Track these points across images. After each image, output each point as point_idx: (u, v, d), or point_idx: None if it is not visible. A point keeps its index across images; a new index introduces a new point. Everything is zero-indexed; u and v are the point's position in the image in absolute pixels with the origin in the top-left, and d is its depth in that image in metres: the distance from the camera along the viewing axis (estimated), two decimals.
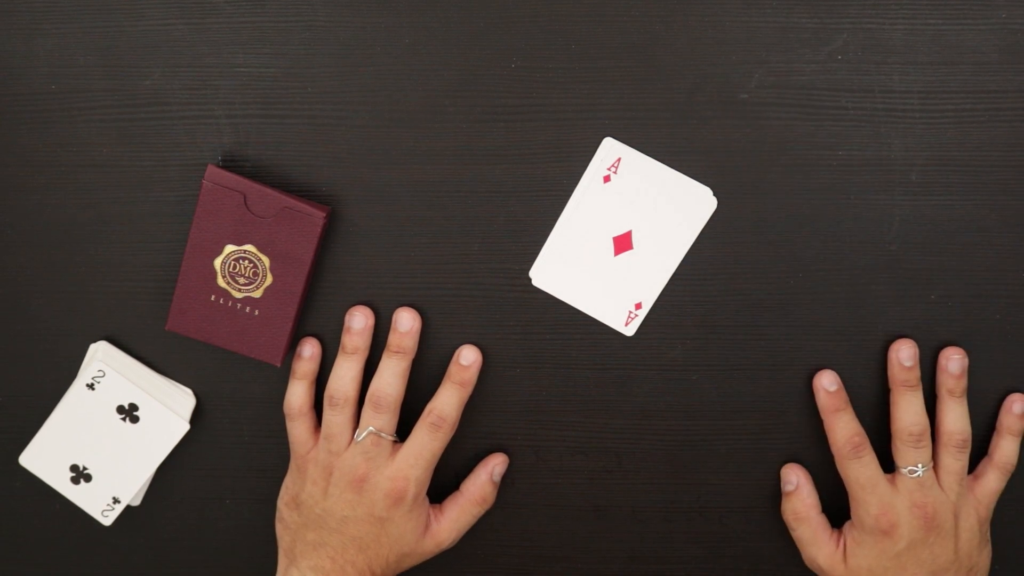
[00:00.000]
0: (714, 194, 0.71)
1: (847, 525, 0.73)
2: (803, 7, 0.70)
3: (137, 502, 0.76)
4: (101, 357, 0.74)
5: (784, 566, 0.77)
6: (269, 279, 0.71)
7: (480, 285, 0.73)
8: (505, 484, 0.76)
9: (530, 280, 0.73)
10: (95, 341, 0.74)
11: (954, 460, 0.71)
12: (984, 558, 0.72)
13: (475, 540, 0.77)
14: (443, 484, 0.76)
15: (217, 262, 0.71)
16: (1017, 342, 0.73)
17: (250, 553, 0.78)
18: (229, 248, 0.71)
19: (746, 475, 0.75)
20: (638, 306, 0.72)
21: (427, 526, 0.73)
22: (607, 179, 0.71)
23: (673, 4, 0.70)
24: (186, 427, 0.74)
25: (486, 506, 0.74)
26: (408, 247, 0.73)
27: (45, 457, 0.74)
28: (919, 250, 0.72)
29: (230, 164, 0.72)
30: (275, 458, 0.76)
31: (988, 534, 0.73)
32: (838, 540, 0.73)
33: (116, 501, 0.75)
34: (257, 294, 0.71)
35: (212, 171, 0.70)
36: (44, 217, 0.73)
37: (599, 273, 0.72)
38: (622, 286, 0.72)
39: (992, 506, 0.73)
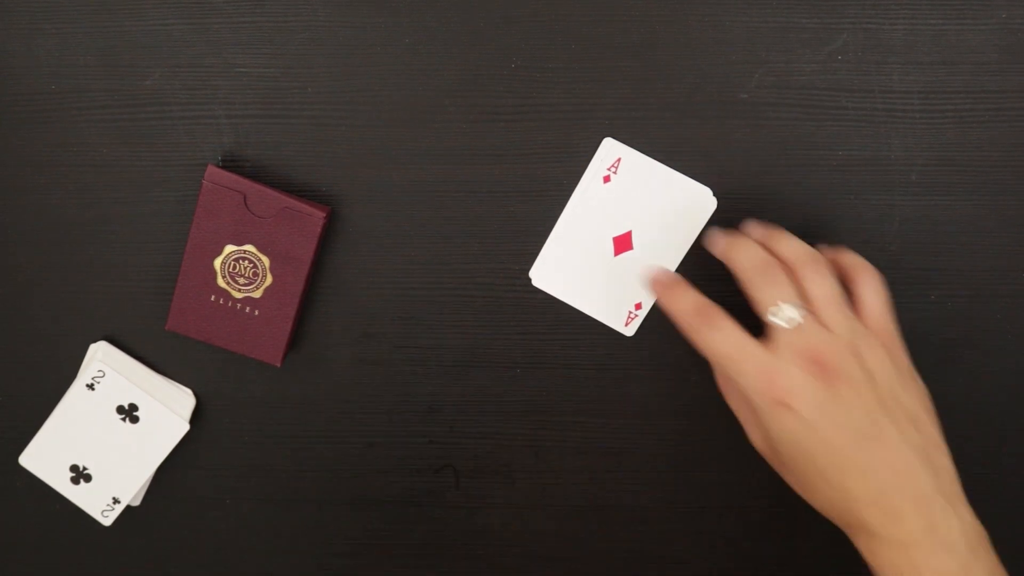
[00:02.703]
0: (714, 194, 0.71)
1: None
2: (803, 7, 0.70)
3: (137, 502, 0.76)
4: (101, 357, 0.73)
5: (784, 566, 0.77)
6: (269, 279, 0.71)
7: (480, 285, 0.73)
8: (505, 484, 0.76)
9: (530, 280, 0.73)
10: (95, 341, 0.74)
11: (816, 285, 0.62)
12: (915, 400, 0.63)
13: (475, 540, 0.77)
14: (443, 483, 0.76)
15: (217, 262, 0.71)
16: (1017, 342, 0.73)
17: (250, 553, 0.78)
18: (229, 248, 0.71)
19: (746, 475, 0.75)
20: (638, 306, 0.72)
21: None
22: (607, 179, 0.71)
23: (673, 4, 0.70)
24: (186, 427, 0.74)
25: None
26: (408, 247, 0.73)
27: (45, 457, 0.74)
28: (919, 250, 0.72)
29: (230, 164, 0.72)
30: (275, 458, 0.76)
31: (912, 371, 0.64)
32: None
33: (116, 501, 0.75)
34: (257, 294, 0.71)
35: (212, 171, 0.70)
36: (44, 217, 0.73)
37: (599, 273, 0.72)
38: (622, 286, 0.72)
39: (895, 331, 0.64)
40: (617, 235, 0.72)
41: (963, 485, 0.76)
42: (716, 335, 0.62)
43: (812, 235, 0.72)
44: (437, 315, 0.74)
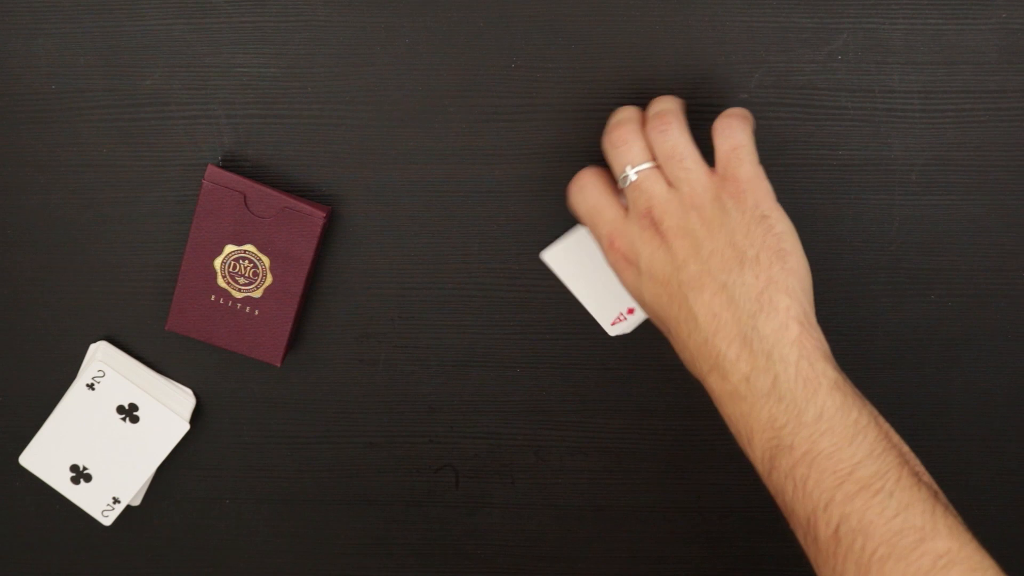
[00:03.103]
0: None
1: None
2: (803, 7, 0.70)
3: (137, 502, 0.76)
4: (101, 357, 0.73)
5: (784, 566, 0.77)
6: (269, 279, 0.71)
7: (480, 285, 0.73)
8: (505, 484, 0.76)
9: (540, 261, 0.73)
10: (95, 341, 0.74)
11: (659, 142, 0.62)
12: (759, 242, 0.60)
13: (475, 540, 0.77)
14: (443, 483, 0.76)
15: (217, 262, 0.71)
16: (1017, 342, 0.73)
17: (250, 553, 0.78)
18: (229, 248, 0.71)
19: (746, 475, 0.75)
20: (630, 311, 0.72)
21: None
22: None
23: (673, 4, 0.70)
24: (186, 427, 0.74)
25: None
26: (408, 247, 0.73)
27: (45, 457, 0.74)
28: (919, 250, 0.72)
29: (230, 164, 0.72)
30: (275, 458, 0.76)
31: (765, 212, 0.61)
32: None
33: (116, 501, 0.75)
34: (257, 294, 0.71)
35: (212, 171, 0.70)
36: (44, 217, 0.73)
37: (607, 271, 0.71)
38: (623, 291, 0.72)
39: (748, 173, 0.61)
40: None
41: (963, 486, 0.76)
42: (579, 193, 0.64)
43: (812, 235, 0.72)
44: (437, 315, 0.74)
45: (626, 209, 0.64)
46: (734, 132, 0.63)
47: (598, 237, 0.64)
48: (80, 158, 0.72)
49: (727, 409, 0.60)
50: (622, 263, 0.63)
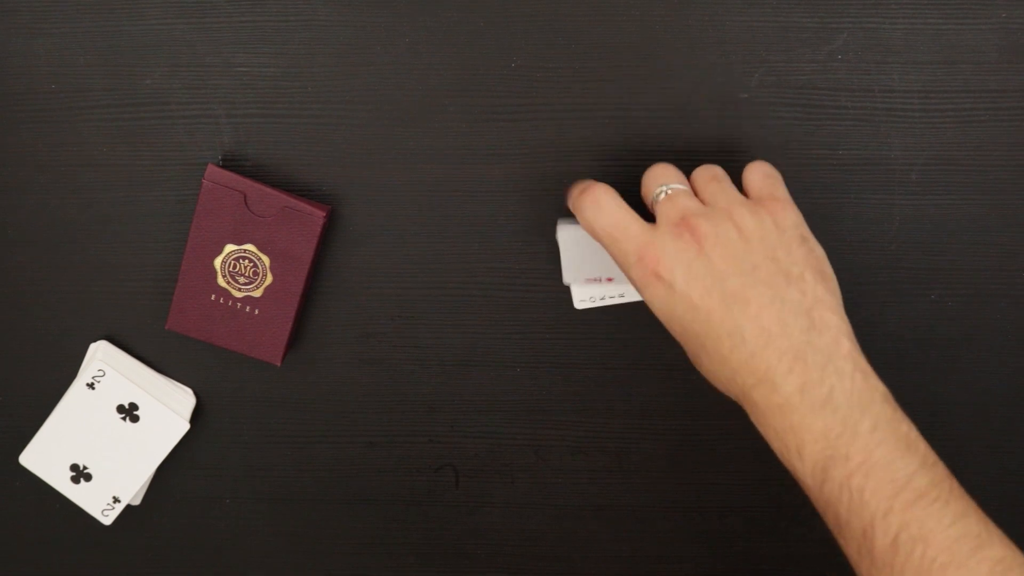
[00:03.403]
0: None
1: None
2: (803, 7, 0.70)
3: (137, 502, 0.76)
4: (101, 357, 0.74)
5: (784, 566, 0.77)
6: (269, 279, 0.71)
7: (480, 285, 0.73)
8: (505, 484, 0.76)
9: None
10: (95, 341, 0.74)
11: (700, 173, 0.63)
12: (800, 260, 0.60)
13: (475, 540, 0.77)
14: (443, 483, 0.76)
15: (217, 262, 0.71)
16: (1017, 342, 0.73)
17: (250, 553, 0.78)
18: (229, 248, 0.71)
19: (746, 475, 0.75)
20: (609, 279, 0.69)
21: None
22: None
23: (673, 4, 0.70)
24: (186, 427, 0.74)
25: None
26: (408, 247, 0.73)
27: (45, 457, 0.75)
28: (919, 250, 0.72)
29: (230, 164, 0.72)
30: (275, 458, 0.76)
31: (802, 233, 0.61)
32: None
33: (116, 501, 0.75)
34: (257, 293, 0.71)
35: (212, 171, 0.70)
36: (44, 217, 0.73)
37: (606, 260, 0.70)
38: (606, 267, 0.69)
39: (782, 197, 0.62)
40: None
41: (963, 485, 0.76)
42: (593, 208, 0.62)
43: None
44: (437, 315, 0.74)
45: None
46: (765, 165, 0.64)
47: (622, 253, 0.61)
48: (80, 158, 0.72)
49: (773, 421, 0.59)
50: (651, 279, 0.60)
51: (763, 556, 0.77)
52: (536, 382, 0.75)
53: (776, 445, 0.59)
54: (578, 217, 0.64)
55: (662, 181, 0.63)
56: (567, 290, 0.72)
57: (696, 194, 0.63)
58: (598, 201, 0.62)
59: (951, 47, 0.70)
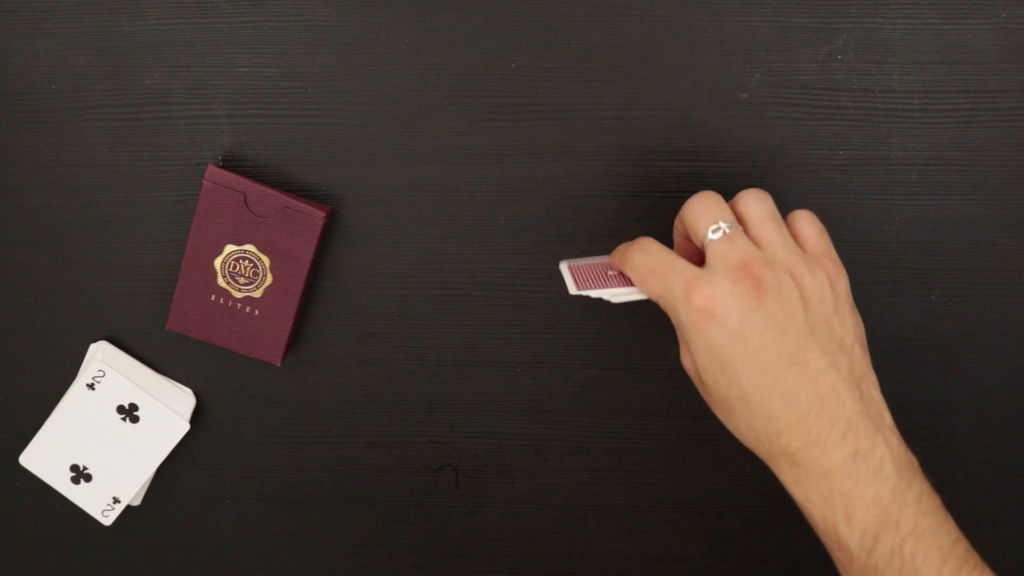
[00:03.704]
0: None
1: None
2: (803, 7, 0.70)
3: (137, 502, 0.76)
4: (101, 357, 0.74)
5: (784, 566, 0.77)
6: (269, 279, 0.71)
7: (480, 285, 0.73)
8: (505, 484, 0.76)
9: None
10: (95, 341, 0.74)
11: (754, 209, 0.61)
12: (849, 329, 0.60)
13: (475, 540, 0.77)
14: (443, 483, 0.76)
15: (217, 262, 0.71)
16: (1017, 342, 0.73)
17: (250, 553, 0.78)
18: (229, 248, 0.71)
19: (746, 475, 0.75)
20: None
21: None
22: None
23: (673, 3, 0.70)
24: (186, 427, 0.74)
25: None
26: (408, 247, 0.73)
27: (45, 457, 0.75)
28: (919, 250, 0.72)
29: (230, 164, 0.72)
30: (275, 458, 0.76)
31: (851, 302, 0.61)
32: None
33: (116, 501, 0.75)
34: (257, 294, 0.71)
35: (212, 171, 0.70)
36: (44, 217, 0.73)
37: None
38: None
39: (836, 259, 0.61)
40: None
41: (963, 485, 0.76)
42: (640, 253, 0.61)
43: None
44: (437, 315, 0.74)
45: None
46: (815, 219, 0.63)
47: (667, 289, 0.59)
48: (80, 158, 0.72)
49: (820, 485, 0.59)
50: (702, 316, 0.58)
51: (763, 556, 0.77)
52: (536, 382, 0.75)
53: (819, 508, 0.59)
54: (627, 270, 0.61)
55: (715, 216, 0.60)
56: (567, 290, 0.72)
57: (745, 227, 0.61)
58: (644, 246, 0.61)
59: (951, 47, 0.70)
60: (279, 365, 0.73)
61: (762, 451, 0.61)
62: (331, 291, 0.74)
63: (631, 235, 0.72)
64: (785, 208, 0.72)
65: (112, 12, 0.71)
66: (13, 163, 0.73)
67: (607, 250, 0.72)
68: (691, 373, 0.62)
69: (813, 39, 0.70)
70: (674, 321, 0.60)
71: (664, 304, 0.60)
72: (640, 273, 0.60)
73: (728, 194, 0.72)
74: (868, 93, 0.71)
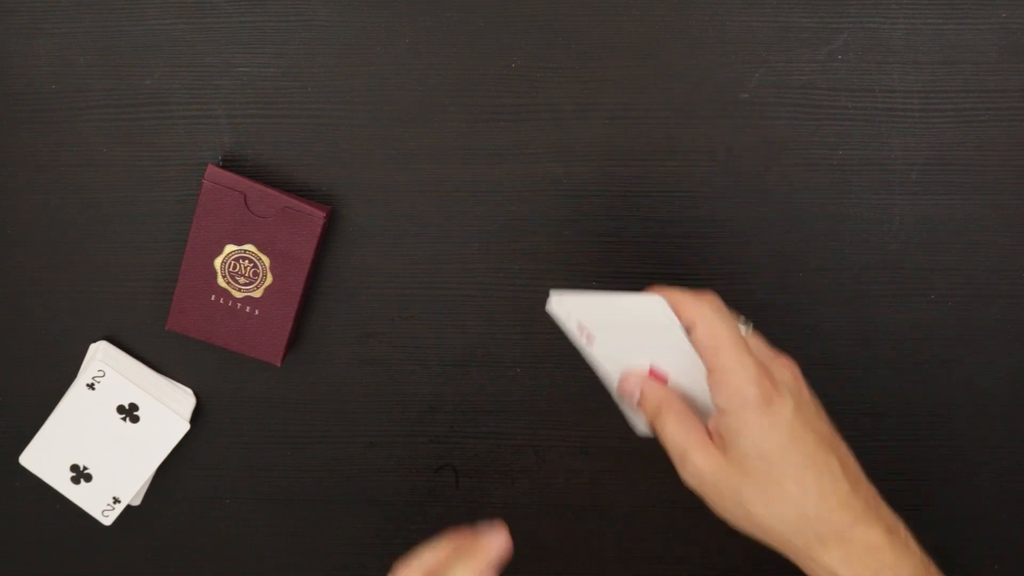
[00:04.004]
0: (714, 194, 0.71)
1: (713, 420, 0.61)
2: (803, 7, 0.70)
3: (137, 502, 0.76)
4: (101, 357, 0.74)
5: (784, 566, 0.77)
6: (269, 279, 0.71)
7: (480, 285, 0.73)
8: (505, 484, 0.76)
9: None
10: (95, 341, 0.74)
11: (783, 368, 0.63)
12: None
13: None
14: (443, 483, 0.76)
15: (217, 262, 0.71)
16: (1017, 342, 0.73)
17: (250, 553, 0.78)
18: (229, 248, 0.71)
19: None
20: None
21: None
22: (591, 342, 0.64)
23: (673, 4, 0.70)
24: (186, 427, 0.74)
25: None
26: (408, 247, 0.73)
27: (45, 457, 0.74)
28: (919, 250, 0.72)
29: (230, 164, 0.72)
30: (275, 458, 0.76)
31: None
32: (710, 437, 0.61)
33: (116, 501, 0.75)
34: (257, 294, 0.71)
35: (212, 171, 0.70)
36: (44, 217, 0.73)
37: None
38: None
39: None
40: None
41: (963, 485, 0.76)
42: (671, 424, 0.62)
43: (812, 235, 0.72)
44: (437, 315, 0.74)
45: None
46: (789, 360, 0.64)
47: (734, 371, 0.58)
48: (80, 158, 0.72)
49: (869, 561, 0.60)
50: (765, 402, 0.59)
51: (763, 556, 0.77)
52: (536, 382, 0.75)
53: None
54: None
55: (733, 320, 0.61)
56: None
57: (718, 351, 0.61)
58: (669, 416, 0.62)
59: (951, 47, 0.70)
60: (279, 365, 0.73)
61: (808, 534, 0.61)
62: (331, 291, 0.74)
63: (632, 235, 0.72)
64: (786, 208, 0.72)
65: (112, 12, 0.71)
66: (13, 163, 0.73)
67: (607, 251, 0.72)
68: (707, 479, 0.62)
69: (813, 39, 0.70)
70: (729, 407, 0.60)
71: (724, 389, 0.60)
72: (708, 351, 0.60)
73: (728, 193, 0.72)
74: (868, 93, 0.71)
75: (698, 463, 0.61)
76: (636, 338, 0.62)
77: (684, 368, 0.62)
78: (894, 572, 0.59)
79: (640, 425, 0.65)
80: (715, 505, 0.62)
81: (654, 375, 0.63)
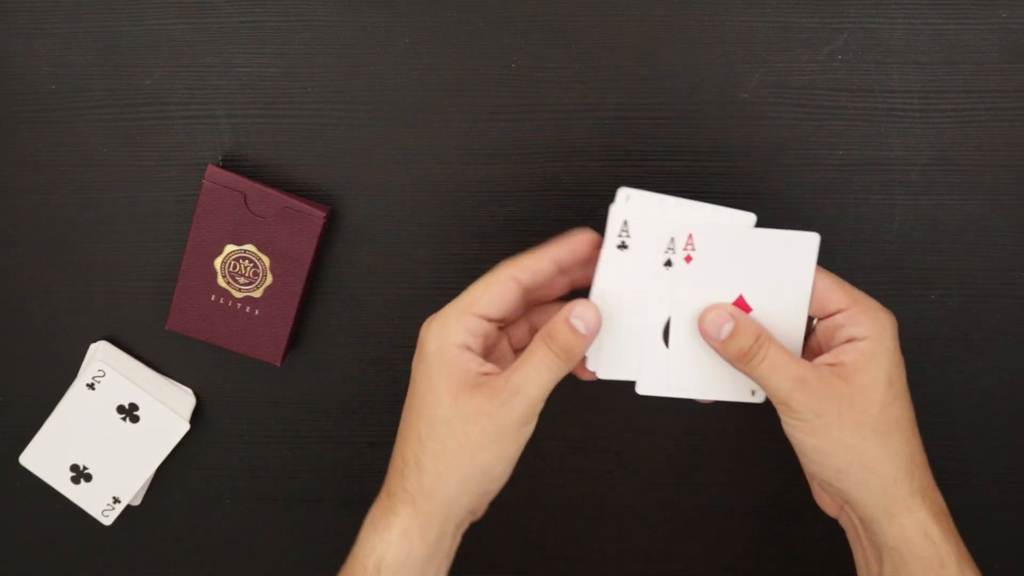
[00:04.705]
0: (714, 194, 0.71)
1: (833, 354, 0.60)
2: (803, 7, 0.70)
3: (137, 502, 0.76)
4: (101, 357, 0.74)
5: (784, 566, 0.77)
6: (269, 279, 0.71)
7: None
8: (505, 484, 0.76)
9: None
10: (95, 341, 0.74)
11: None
12: None
13: (474, 539, 0.77)
14: None
15: (217, 262, 0.71)
16: (1017, 342, 0.73)
17: (250, 553, 0.78)
18: (229, 248, 0.71)
19: (746, 475, 0.75)
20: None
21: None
22: (688, 259, 0.61)
23: (673, 4, 0.70)
24: (186, 427, 0.74)
25: (568, 361, 0.60)
26: (408, 247, 0.73)
27: (45, 457, 0.74)
28: (919, 250, 0.72)
29: (230, 164, 0.72)
30: (275, 458, 0.76)
31: None
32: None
33: (116, 501, 0.75)
34: (257, 294, 0.71)
35: (212, 171, 0.70)
36: (44, 217, 0.73)
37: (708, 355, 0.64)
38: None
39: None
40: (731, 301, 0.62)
41: (963, 485, 0.76)
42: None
43: None
44: None
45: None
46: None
47: (887, 316, 0.61)
48: (80, 158, 0.72)
49: (942, 525, 0.61)
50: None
51: (763, 556, 0.77)
52: None
53: (954, 545, 0.60)
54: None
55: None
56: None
57: None
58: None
59: (951, 47, 0.70)
60: (279, 365, 0.73)
61: (912, 479, 0.60)
62: (331, 291, 0.74)
63: None
64: (785, 208, 0.72)
65: (112, 12, 0.71)
66: (13, 163, 0.73)
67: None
68: (825, 404, 0.60)
69: (813, 39, 0.70)
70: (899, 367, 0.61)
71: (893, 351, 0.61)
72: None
73: (728, 193, 0.72)
74: (868, 93, 0.71)
75: (817, 386, 0.58)
76: (742, 269, 0.61)
77: (772, 310, 0.61)
78: (957, 546, 0.59)
79: (673, 377, 0.62)
80: (816, 436, 0.59)
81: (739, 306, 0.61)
